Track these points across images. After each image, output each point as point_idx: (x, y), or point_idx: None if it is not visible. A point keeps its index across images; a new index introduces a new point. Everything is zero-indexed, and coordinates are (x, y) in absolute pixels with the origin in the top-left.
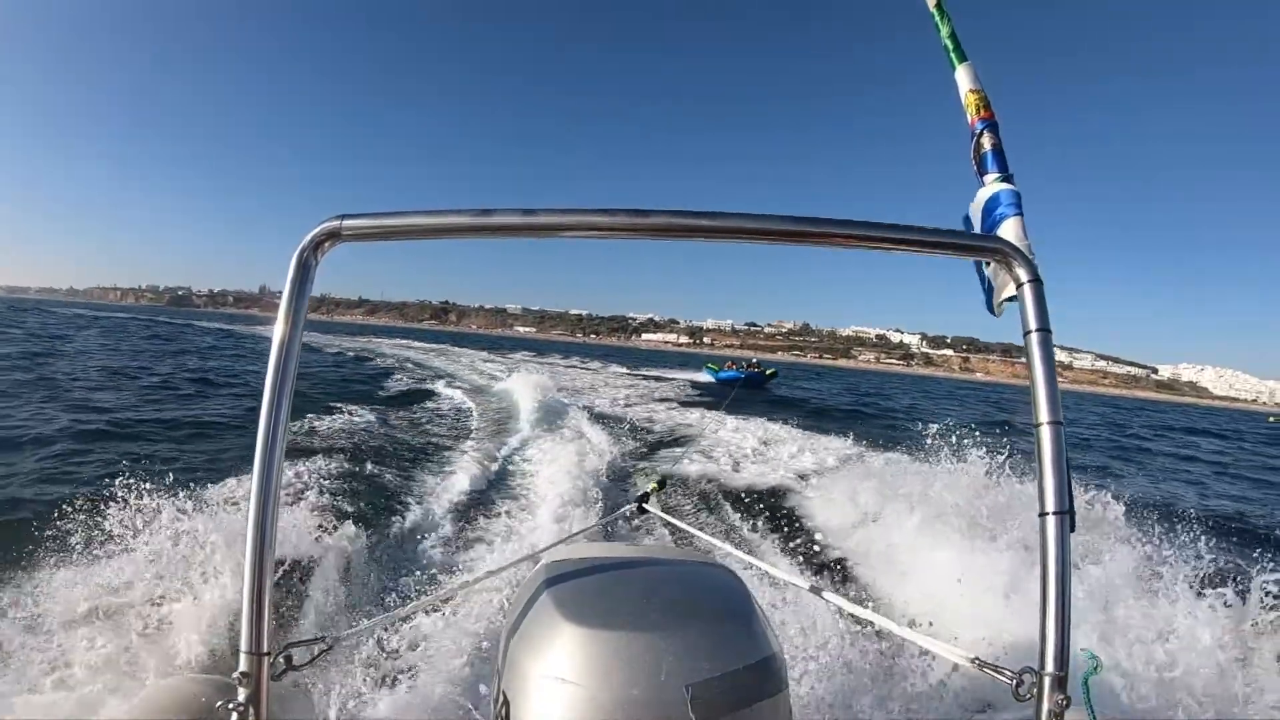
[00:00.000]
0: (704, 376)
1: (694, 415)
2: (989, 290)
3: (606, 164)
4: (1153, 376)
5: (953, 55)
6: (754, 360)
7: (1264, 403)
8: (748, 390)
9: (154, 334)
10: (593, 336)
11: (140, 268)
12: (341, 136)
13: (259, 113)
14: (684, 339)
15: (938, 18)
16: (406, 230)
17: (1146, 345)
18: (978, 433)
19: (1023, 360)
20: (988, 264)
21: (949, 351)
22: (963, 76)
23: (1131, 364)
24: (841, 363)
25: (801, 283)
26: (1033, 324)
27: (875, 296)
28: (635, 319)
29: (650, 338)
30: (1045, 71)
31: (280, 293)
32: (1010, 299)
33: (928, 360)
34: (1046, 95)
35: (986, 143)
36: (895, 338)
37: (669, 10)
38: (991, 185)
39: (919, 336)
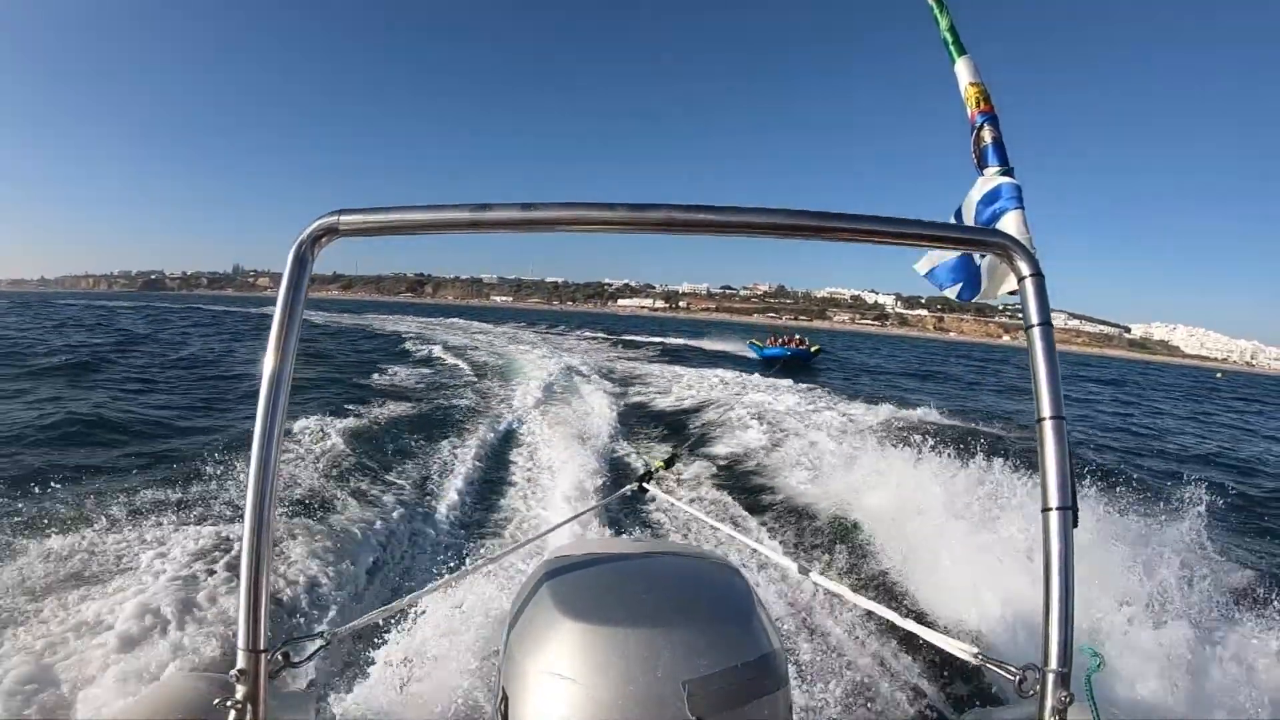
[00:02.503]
0: (746, 352)
1: (713, 390)
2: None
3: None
4: (1125, 335)
5: (952, 49)
6: (797, 335)
7: (1235, 361)
8: (791, 367)
9: (193, 321)
10: (569, 304)
11: (106, 252)
12: (315, 114)
13: (224, 86)
14: (660, 303)
15: (937, 11)
16: (404, 226)
17: (1120, 304)
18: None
19: (996, 320)
20: (982, 256)
21: (923, 312)
22: (962, 70)
23: (1104, 323)
24: (817, 324)
25: (777, 245)
26: (1034, 318)
27: (851, 258)
28: (611, 285)
29: (626, 303)
30: (1008, 29)
31: (253, 271)
32: (1011, 293)
33: (902, 321)
34: (1011, 57)
35: (987, 136)
36: (870, 299)
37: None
38: (991, 178)
39: (894, 297)
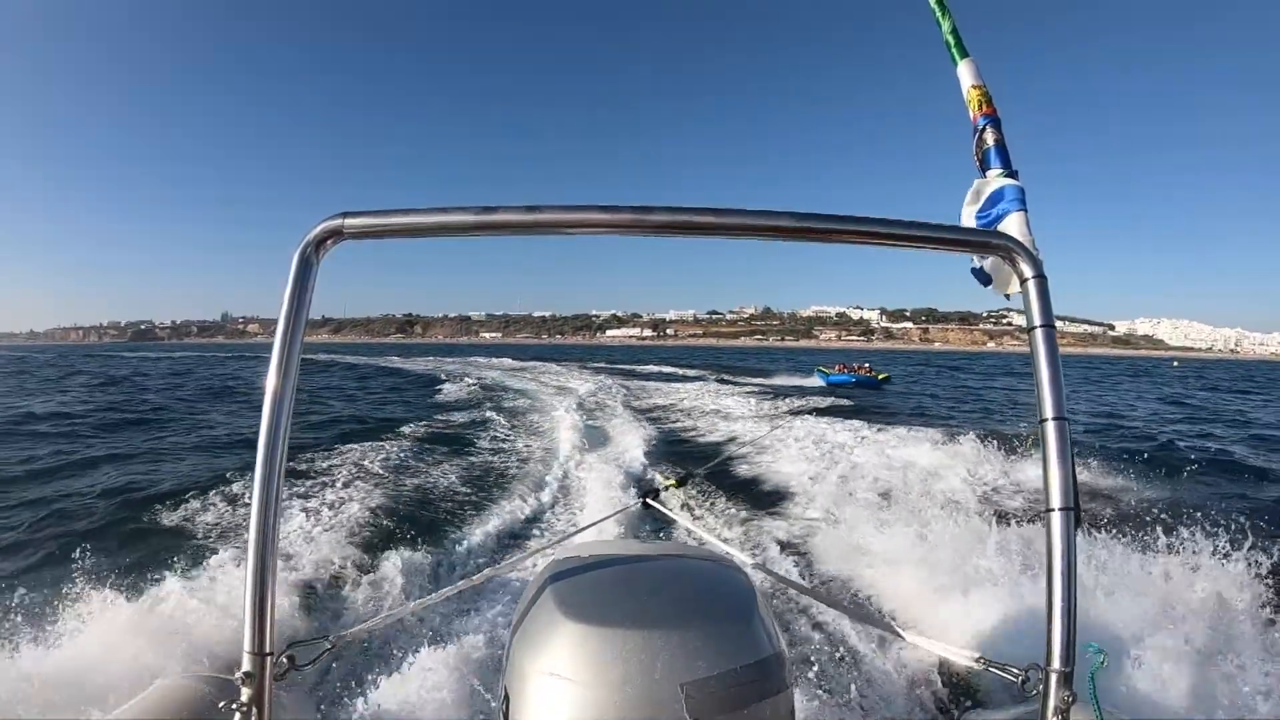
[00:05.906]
0: (814, 380)
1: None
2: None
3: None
4: (1109, 333)
5: (954, 51)
6: (865, 365)
7: (1219, 350)
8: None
9: (252, 369)
10: (558, 337)
11: (88, 304)
12: (299, 148)
13: (203, 120)
14: (648, 332)
15: (939, 14)
16: (409, 229)
17: (1110, 303)
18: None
19: (981, 327)
20: (985, 259)
21: (908, 324)
22: (965, 73)
23: (1087, 322)
24: (804, 343)
25: (761, 267)
26: (1037, 320)
27: (834, 275)
28: (599, 316)
29: (614, 333)
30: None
31: (242, 318)
32: (1014, 294)
33: (888, 334)
34: (993, 41)
35: (989, 138)
36: (855, 315)
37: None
38: (994, 180)
39: (878, 311)
